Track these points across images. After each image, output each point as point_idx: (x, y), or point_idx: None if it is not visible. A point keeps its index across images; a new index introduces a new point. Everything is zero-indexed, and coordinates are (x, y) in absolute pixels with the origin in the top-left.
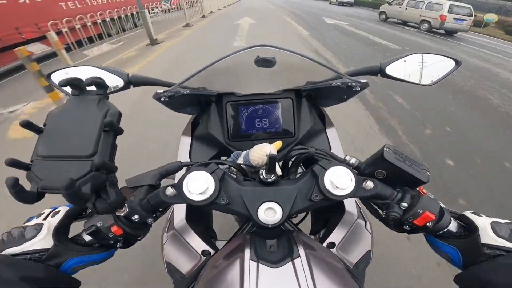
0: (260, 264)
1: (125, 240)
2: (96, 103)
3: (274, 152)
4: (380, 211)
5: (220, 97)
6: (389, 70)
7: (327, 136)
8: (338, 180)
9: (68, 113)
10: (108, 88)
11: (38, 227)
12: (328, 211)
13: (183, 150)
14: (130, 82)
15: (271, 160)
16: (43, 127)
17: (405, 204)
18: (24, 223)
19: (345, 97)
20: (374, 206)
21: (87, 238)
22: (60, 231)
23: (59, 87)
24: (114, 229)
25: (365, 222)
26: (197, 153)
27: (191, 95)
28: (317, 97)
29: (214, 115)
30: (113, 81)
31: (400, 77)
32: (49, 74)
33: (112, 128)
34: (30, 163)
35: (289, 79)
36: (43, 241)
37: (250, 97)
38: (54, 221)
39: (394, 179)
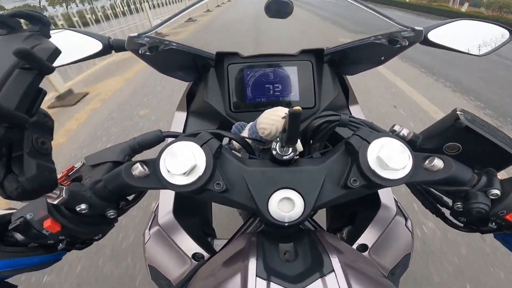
0: (272, 284)
1: (71, 241)
2: (22, 39)
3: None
4: (440, 204)
5: (221, 58)
6: (432, 36)
7: (351, 114)
8: (389, 156)
9: None
10: (86, 52)
11: None
12: (355, 204)
13: (176, 127)
14: (112, 47)
15: (293, 119)
16: None
17: (496, 192)
18: None
19: (382, 58)
20: (430, 197)
21: (18, 235)
22: None
23: None
24: (48, 223)
25: (406, 219)
26: (192, 130)
27: (183, 54)
28: (341, 64)
29: (212, 81)
30: (91, 45)
31: (446, 44)
32: None
33: (32, 63)
34: None
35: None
36: None
37: (258, 59)
38: None
39: (470, 156)
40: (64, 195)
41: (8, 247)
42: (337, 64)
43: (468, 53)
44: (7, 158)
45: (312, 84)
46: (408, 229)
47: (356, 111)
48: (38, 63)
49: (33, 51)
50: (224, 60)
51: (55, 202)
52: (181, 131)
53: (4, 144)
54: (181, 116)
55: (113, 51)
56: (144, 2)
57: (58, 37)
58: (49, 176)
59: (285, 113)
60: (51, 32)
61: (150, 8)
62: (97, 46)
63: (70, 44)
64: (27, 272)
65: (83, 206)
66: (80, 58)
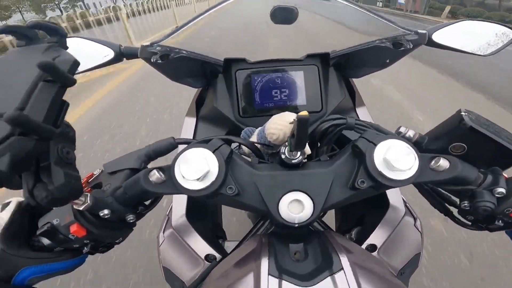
0: (283, 282)
1: (95, 244)
2: (42, 50)
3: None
4: (448, 203)
5: (229, 65)
6: (437, 37)
7: (358, 116)
8: (395, 158)
9: (2, 66)
10: (98, 60)
11: None
12: (363, 205)
13: (186, 133)
14: (123, 54)
15: (301, 125)
16: None
17: (501, 190)
18: None
19: (387, 60)
20: (438, 197)
21: (45, 240)
22: (11, 231)
23: None
24: (74, 228)
25: (415, 219)
26: (202, 135)
27: (193, 61)
28: (347, 67)
29: (221, 88)
30: (103, 53)
31: (451, 45)
32: None
33: (55, 76)
34: None
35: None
36: None
37: (265, 64)
38: (3, 217)
39: (476, 156)
40: (88, 202)
41: (36, 253)
42: (343, 67)
43: (473, 53)
44: (35, 168)
45: (319, 88)
46: (417, 229)
47: (363, 113)
48: (61, 76)
49: (56, 64)
50: (231, 66)
51: (81, 208)
52: (192, 136)
53: (33, 155)
54: (191, 122)
55: (124, 59)
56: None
57: (69, 45)
58: (75, 184)
59: (293, 119)
60: None
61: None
62: (108, 53)
63: (81, 51)
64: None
65: (105, 211)
66: (91, 67)
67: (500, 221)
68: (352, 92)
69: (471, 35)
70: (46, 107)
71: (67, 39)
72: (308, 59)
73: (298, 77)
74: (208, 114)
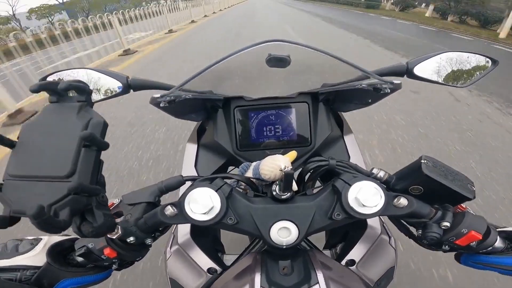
0: None
1: (121, 262)
2: (76, 111)
3: (288, 165)
4: (413, 230)
5: (228, 101)
6: (418, 70)
7: (345, 144)
8: (365, 197)
9: (44, 124)
10: (106, 92)
11: (35, 242)
12: (347, 225)
13: (188, 159)
14: (130, 86)
15: (287, 177)
16: (16, 140)
17: (446, 224)
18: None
19: (369, 100)
20: (405, 224)
21: (79, 258)
22: (57, 248)
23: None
24: (107, 251)
25: (389, 237)
26: (203, 163)
27: (195, 99)
28: (335, 101)
29: (221, 122)
30: (110, 84)
31: (431, 78)
32: (42, 79)
33: (93, 143)
34: (2, 182)
35: (304, 81)
36: (35, 257)
37: (261, 102)
38: (55, 237)
39: (432, 195)
40: (120, 232)
41: (72, 267)
42: (331, 101)
43: (453, 86)
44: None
45: (308, 123)
46: (392, 246)
47: (350, 141)
48: (98, 143)
49: (94, 134)
50: (231, 102)
51: (114, 237)
52: (193, 163)
53: (83, 206)
54: (192, 148)
55: (131, 90)
56: None
57: (78, 76)
58: (111, 221)
59: (283, 169)
60: (71, 71)
61: None
62: (116, 85)
63: (90, 83)
64: None
65: (131, 238)
66: (100, 99)
67: (447, 246)
68: (340, 121)
69: (451, 66)
70: (91, 171)
71: (76, 69)
72: (299, 97)
73: (290, 113)
74: (208, 144)
